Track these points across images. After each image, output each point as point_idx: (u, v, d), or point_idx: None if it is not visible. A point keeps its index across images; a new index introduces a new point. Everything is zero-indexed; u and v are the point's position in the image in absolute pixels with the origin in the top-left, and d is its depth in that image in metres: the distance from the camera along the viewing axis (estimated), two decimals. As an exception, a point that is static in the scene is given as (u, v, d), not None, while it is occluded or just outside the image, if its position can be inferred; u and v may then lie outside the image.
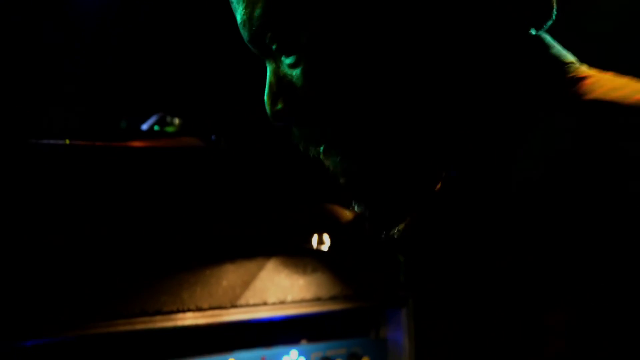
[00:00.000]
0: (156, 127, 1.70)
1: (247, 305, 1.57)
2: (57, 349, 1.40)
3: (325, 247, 1.60)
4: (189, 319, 1.50)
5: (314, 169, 1.66)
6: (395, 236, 0.99)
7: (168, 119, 1.67)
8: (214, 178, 1.58)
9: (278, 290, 1.61)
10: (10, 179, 1.34)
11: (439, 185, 0.97)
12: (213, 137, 1.63)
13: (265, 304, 1.59)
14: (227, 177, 1.59)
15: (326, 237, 1.62)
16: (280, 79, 0.93)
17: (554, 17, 0.95)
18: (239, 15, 0.92)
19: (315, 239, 1.62)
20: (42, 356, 1.38)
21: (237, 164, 1.60)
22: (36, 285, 1.34)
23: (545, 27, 0.95)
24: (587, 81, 0.93)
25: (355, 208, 0.99)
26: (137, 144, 1.56)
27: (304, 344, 1.67)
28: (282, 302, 1.61)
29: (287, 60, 0.91)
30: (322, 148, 0.96)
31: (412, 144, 0.93)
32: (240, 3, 0.91)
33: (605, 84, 0.93)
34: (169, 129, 1.70)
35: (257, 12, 0.90)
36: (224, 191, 1.59)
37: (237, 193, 1.60)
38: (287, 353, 1.62)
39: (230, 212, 1.58)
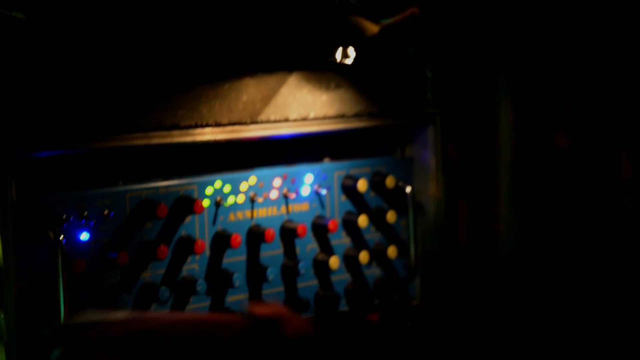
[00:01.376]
0: None
1: (268, 122, 1.51)
2: (71, 161, 1.35)
3: (349, 61, 1.52)
4: (207, 134, 1.45)
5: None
6: None
7: None
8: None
9: (300, 106, 1.55)
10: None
11: None
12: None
13: (286, 120, 1.53)
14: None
15: (351, 51, 1.53)
16: None
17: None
18: None
19: (339, 52, 1.54)
20: (56, 169, 1.33)
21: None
22: (52, 96, 1.28)
23: None
24: None
25: None
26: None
27: (326, 162, 1.62)
28: (304, 119, 1.55)
29: None
30: None
31: None
32: None
33: None
34: None
35: None
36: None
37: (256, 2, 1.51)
38: (310, 171, 1.57)
39: (249, 21, 1.49)
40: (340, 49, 1.53)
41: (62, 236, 1.28)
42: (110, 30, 1.34)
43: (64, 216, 1.30)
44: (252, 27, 1.47)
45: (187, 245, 1.43)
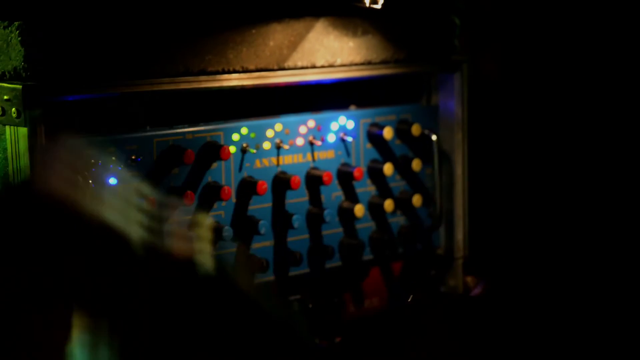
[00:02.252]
0: None
1: (295, 68, 1.50)
2: (99, 105, 1.34)
3: (378, 6, 1.50)
4: (234, 80, 1.44)
5: None
6: None
7: None
8: None
9: (327, 52, 1.53)
10: None
11: None
12: None
13: (313, 66, 1.52)
14: None
15: (379, -5, 1.52)
16: None
17: None
18: None
19: (368, -4, 1.52)
20: (85, 113, 1.33)
21: None
22: (81, 40, 1.27)
23: None
24: None
25: None
26: None
27: (352, 109, 1.61)
28: (330, 65, 1.54)
29: None
30: None
31: None
32: None
33: None
34: None
35: None
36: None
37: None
38: (336, 118, 1.56)
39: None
40: (368, -6, 1.52)
41: (90, 180, 1.28)
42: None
43: (92, 160, 1.30)
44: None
45: (214, 192, 1.42)
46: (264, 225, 1.46)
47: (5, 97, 1.22)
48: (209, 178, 1.43)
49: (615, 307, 1.51)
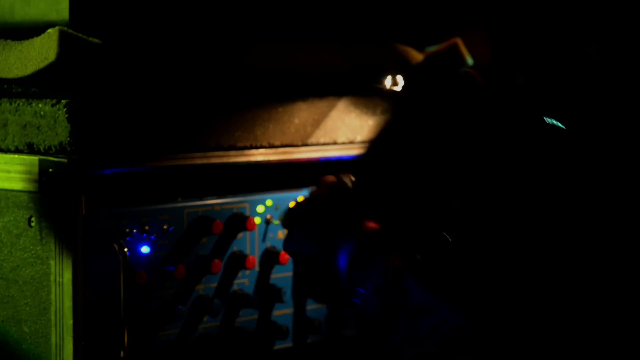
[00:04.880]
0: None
1: (318, 144, 1.58)
2: (136, 178, 1.42)
3: (398, 88, 1.59)
4: (261, 155, 1.52)
5: (386, 9, 1.63)
6: None
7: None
8: (286, 13, 1.56)
9: (348, 130, 1.62)
10: (86, 8, 1.34)
11: None
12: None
13: (335, 143, 1.60)
14: (299, 13, 1.58)
15: (400, 78, 1.61)
16: None
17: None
18: None
19: (388, 79, 1.61)
20: (121, 185, 1.41)
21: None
22: (121, 118, 1.35)
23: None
24: None
25: None
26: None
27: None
28: (351, 142, 1.62)
29: None
30: None
31: None
32: None
33: None
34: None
35: None
36: (296, 27, 1.57)
37: (309, 29, 1.58)
38: (354, 192, 1.64)
39: (300, 49, 1.57)
40: (389, 77, 1.60)
41: (125, 248, 1.35)
42: (174, 56, 1.42)
43: (128, 230, 1.38)
44: (306, 55, 1.55)
45: (239, 261, 1.50)
46: (286, 293, 1.53)
47: (51, 170, 1.30)
48: (234, 247, 1.50)
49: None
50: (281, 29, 1.55)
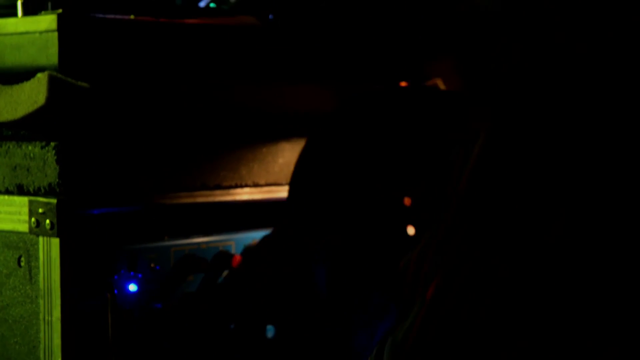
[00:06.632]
0: (212, 5, 1.71)
1: (301, 183, 1.62)
2: (123, 218, 1.45)
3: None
4: (246, 194, 1.55)
5: (371, 51, 1.67)
6: None
7: (225, -4, 1.69)
8: (270, 57, 1.60)
9: (331, 168, 1.65)
10: (75, 53, 1.37)
11: None
12: (270, 16, 1.65)
13: (318, 181, 1.64)
14: (282, 56, 1.62)
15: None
16: None
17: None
18: None
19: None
20: (109, 224, 1.43)
21: (294, 43, 1.62)
22: (108, 160, 1.39)
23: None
24: None
25: None
26: (192, 21, 1.58)
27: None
28: (334, 181, 1.66)
29: None
30: None
31: None
32: None
33: None
34: (225, 7, 1.72)
35: None
36: (278, 70, 1.61)
37: (291, 72, 1.62)
38: (338, 229, 1.67)
39: (283, 90, 1.61)
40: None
41: (113, 287, 1.38)
42: (161, 99, 1.45)
43: (116, 268, 1.40)
44: (289, 97, 1.59)
45: (225, 298, 1.52)
46: (270, 329, 1.56)
47: (40, 211, 1.34)
48: (220, 285, 1.53)
49: None
50: (265, 72, 1.59)
